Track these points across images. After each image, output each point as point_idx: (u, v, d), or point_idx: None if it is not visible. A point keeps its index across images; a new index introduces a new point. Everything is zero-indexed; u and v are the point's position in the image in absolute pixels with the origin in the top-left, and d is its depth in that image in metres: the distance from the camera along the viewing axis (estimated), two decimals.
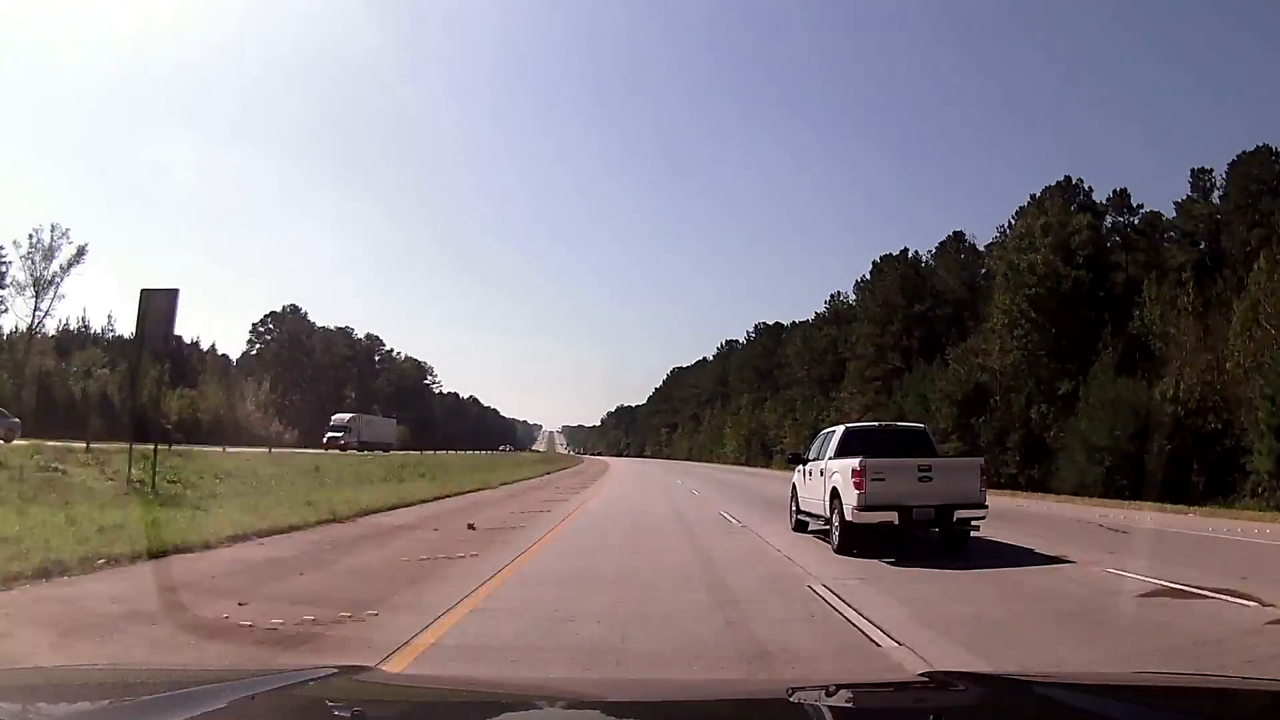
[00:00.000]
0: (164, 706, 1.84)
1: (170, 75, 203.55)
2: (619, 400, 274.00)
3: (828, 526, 12.45)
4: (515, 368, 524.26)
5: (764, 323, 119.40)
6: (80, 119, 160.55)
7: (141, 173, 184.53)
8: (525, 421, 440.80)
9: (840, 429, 14.24)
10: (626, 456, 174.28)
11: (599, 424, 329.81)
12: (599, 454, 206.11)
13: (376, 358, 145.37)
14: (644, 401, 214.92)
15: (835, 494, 12.07)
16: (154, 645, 5.66)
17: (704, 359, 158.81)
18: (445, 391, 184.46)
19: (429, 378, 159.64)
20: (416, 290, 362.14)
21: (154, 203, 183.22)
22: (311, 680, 2.18)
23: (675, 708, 2.38)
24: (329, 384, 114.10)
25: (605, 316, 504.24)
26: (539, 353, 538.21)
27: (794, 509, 15.25)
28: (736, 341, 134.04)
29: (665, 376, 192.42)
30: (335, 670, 2.47)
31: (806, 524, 14.26)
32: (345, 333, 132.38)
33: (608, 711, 2.19)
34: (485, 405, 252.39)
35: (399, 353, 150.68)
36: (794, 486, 15.59)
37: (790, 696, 2.31)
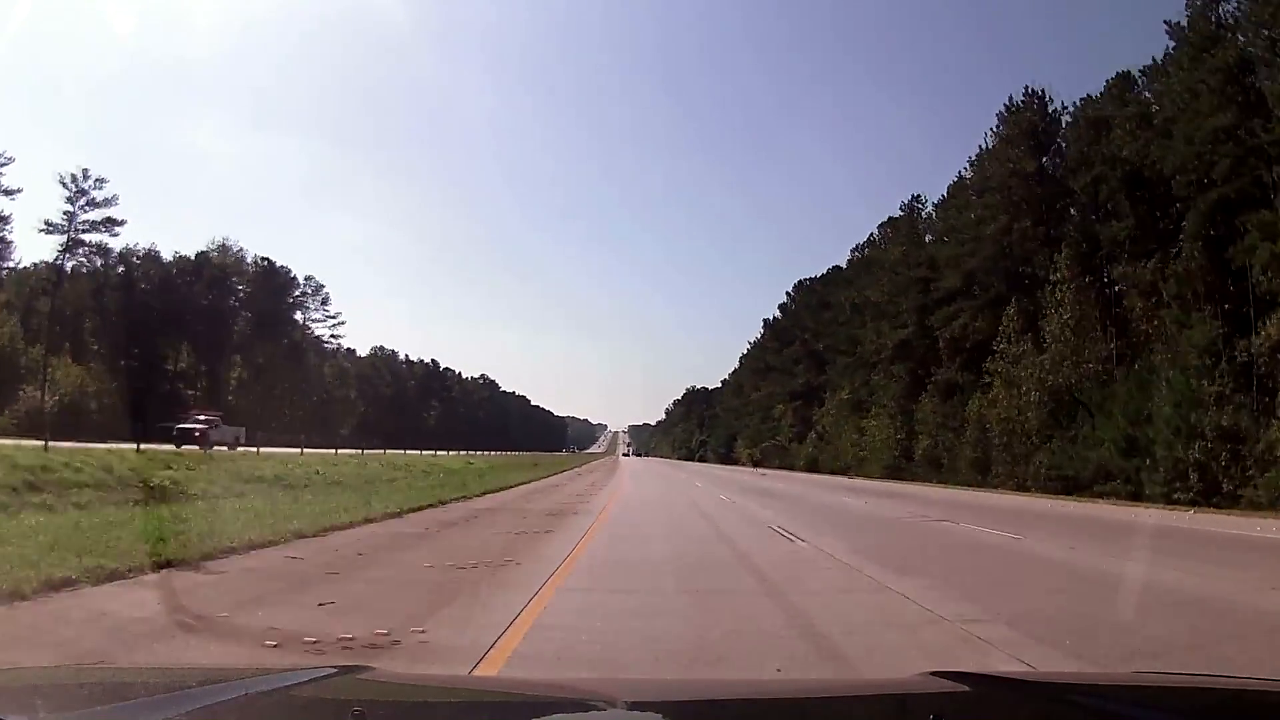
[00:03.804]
0: (164, 706, 1.78)
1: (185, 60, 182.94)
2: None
3: None
4: (582, 371, 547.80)
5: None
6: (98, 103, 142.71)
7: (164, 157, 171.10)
8: (587, 421, 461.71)
9: None
10: (701, 461, 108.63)
11: (663, 417, 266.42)
12: (630, 455, 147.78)
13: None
14: (730, 373, 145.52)
15: None
16: None
17: (870, 238, 74.34)
18: (432, 363, 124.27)
19: (311, 323, 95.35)
20: (477, 295, 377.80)
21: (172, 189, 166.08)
22: (311, 680, 2.15)
23: (671, 707, 2.29)
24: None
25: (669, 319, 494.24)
26: (602, 355, 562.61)
27: None
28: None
29: (782, 302, 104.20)
30: (335, 670, 2.41)
31: None
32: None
33: (610, 711, 2.14)
34: (506, 391, 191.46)
35: (288, 273, 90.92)
36: None
37: (794, 695, 2.36)
